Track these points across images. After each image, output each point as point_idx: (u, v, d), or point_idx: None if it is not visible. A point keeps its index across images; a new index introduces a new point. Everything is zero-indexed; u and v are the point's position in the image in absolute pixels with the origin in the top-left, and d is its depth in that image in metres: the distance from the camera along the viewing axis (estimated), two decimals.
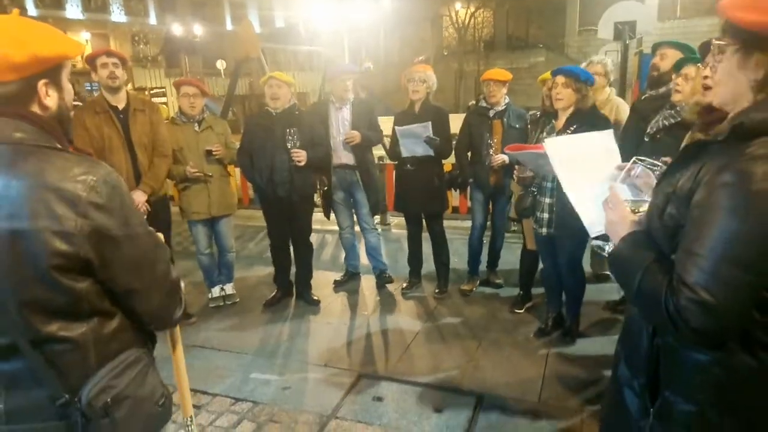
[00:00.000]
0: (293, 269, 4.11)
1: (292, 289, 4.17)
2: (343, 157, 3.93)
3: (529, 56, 27.48)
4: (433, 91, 3.83)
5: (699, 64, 2.61)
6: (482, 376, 2.97)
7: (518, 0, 28.60)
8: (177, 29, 24.02)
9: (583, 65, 3.79)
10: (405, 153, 3.75)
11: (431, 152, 3.67)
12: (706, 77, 1.97)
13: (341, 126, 3.87)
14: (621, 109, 3.66)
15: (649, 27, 14.02)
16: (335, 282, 4.40)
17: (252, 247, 5.69)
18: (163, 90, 15.22)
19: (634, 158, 1.33)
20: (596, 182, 1.41)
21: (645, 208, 1.20)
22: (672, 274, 1.00)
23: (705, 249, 0.95)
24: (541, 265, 3.53)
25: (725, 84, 1.09)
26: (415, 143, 3.67)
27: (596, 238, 1.39)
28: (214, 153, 3.65)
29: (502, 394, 2.78)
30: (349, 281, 4.41)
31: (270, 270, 4.28)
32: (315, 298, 4.06)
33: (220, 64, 21.07)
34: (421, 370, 3.07)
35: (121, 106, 3.26)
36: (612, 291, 3.96)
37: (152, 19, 28.18)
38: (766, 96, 1.00)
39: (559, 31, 29.06)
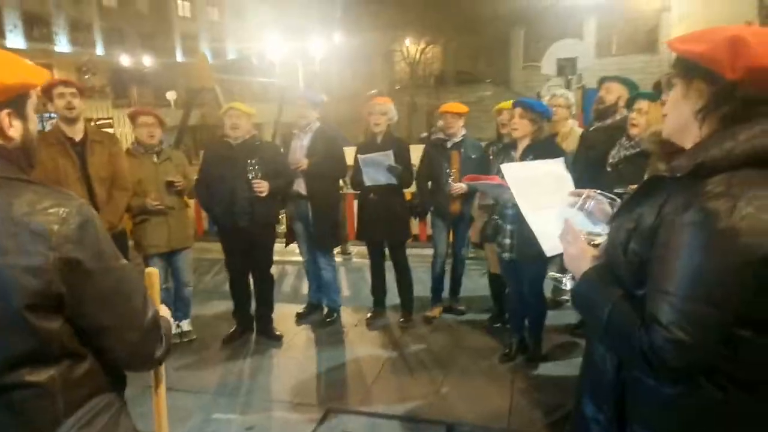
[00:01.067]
0: (253, 303, 4.00)
1: (252, 324, 4.04)
2: (298, 185, 3.89)
3: (477, 90, 28.57)
4: (393, 122, 3.91)
5: (649, 100, 2.83)
6: (450, 405, 2.96)
7: (466, 37, 29.87)
8: (125, 60, 23.53)
9: (546, 99, 4.00)
10: (368, 182, 3.78)
11: (394, 181, 3.72)
12: (665, 114, 2.13)
13: (298, 154, 3.86)
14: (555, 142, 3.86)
15: (588, 63, 14.97)
16: (297, 315, 4.31)
17: (208, 281, 5.51)
18: (110, 121, 14.80)
19: (588, 190, 1.36)
20: (551, 207, 1.47)
21: (602, 239, 1.21)
22: (642, 311, 1.01)
23: (675, 287, 0.96)
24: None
25: (672, 115, 1.15)
26: (378, 172, 3.71)
27: (554, 269, 1.41)
28: (176, 184, 3.56)
29: (471, 422, 2.78)
30: (311, 313, 4.33)
31: (228, 304, 4.15)
32: (277, 332, 3.95)
33: (171, 95, 20.73)
34: (390, 401, 3.02)
35: (77, 138, 3.14)
36: (570, 315, 4.07)
37: (99, 50, 27.55)
38: (712, 126, 1.05)
39: (505, 66, 30.51)
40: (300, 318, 4.27)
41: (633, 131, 2.90)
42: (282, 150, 4.01)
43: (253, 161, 3.52)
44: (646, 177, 2.52)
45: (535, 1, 25.45)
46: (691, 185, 0.99)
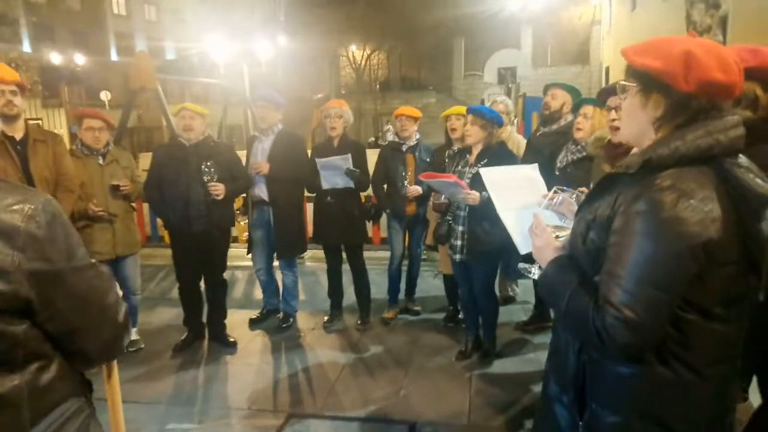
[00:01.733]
0: (205, 309, 3.88)
1: (204, 331, 3.92)
2: (259, 191, 3.83)
3: (421, 97, 29.12)
4: (349, 125, 3.93)
5: (594, 105, 2.98)
6: (412, 404, 3.00)
7: (410, 45, 30.36)
8: (56, 58, 22.13)
9: (487, 105, 4.15)
10: (325, 185, 3.77)
11: (351, 184, 3.73)
12: (614, 120, 2.27)
13: (260, 157, 3.79)
14: (521, 145, 4.03)
15: (526, 72, 15.62)
16: (251, 320, 4.22)
17: (153, 288, 5.28)
18: (39, 122, 13.90)
19: (555, 188, 1.47)
20: (525, 208, 1.57)
21: (567, 233, 1.31)
22: (597, 294, 1.10)
23: (626, 271, 1.05)
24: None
25: (628, 121, 1.24)
26: (336, 175, 3.71)
27: (523, 261, 1.50)
28: (122, 188, 3.40)
29: (433, 420, 2.83)
30: (267, 319, 4.25)
31: (176, 311, 4.01)
32: (231, 339, 3.85)
33: (105, 95, 19.71)
34: (351, 404, 3.02)
35: (18, 136, 2.94)
36: (519, 312, 4.24)
37: (26, 47, 25.76)
38: (666, 132, 1.14)
39: (447, 74, 31.28)
40: (254, 323, 4.19)
41: (578, 135, 3.05)
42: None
43: (209, 163, 3.42)
44: (591, 179, 2.70)
45: (475, 13, 26.26)
46: (641, 180, 1.09)
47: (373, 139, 23.69)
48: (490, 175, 1.93)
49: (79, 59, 23.03)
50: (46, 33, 26.72)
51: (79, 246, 1.04)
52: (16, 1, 25.25)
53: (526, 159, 3.66)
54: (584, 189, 2.51)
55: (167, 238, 4.74)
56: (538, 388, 3.11)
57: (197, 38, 25.61)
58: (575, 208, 1.36)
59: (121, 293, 1.21)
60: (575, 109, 3.16)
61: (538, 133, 3.75)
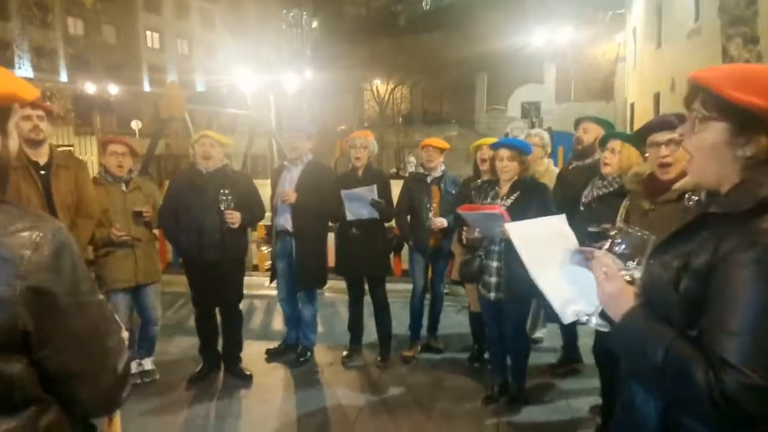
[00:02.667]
0: (221, 340, 3.78)
1: (219, 362, 3.81)
2: (284, 221, 3.77)
3: (443, 130, 29.30)
4: (374, 155, 3.88)
5: (623, 140, 2.86)
6: None
7: (432, 80, 30.86)
8: (90, 88, 23.03)
9: (522, 137, 4.06)
10: (350, 216, 3.68)
11: (376, 215, 3.65)
12: (665, 156, 2.16)
13: (287, 187, 3.74)
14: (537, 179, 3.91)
15: (550, 107, 15.60)
16: (268, 351, 4.09)
17: (172, 315, 5.22)
18: (71, 148, 14.36)
19: (620, 226, 1.30)
20: (557, 264, 1.42)
21: (636, 276, 1.15)
22: (703, 352, 0.96)
23: (744, 327, 0.92)
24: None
25: (705, 159, 1.09)
26: (361, 206, 3.64)
27: (589, 314, 1.31)
28: (144, 215, 3.38)
29: None
30: (285, 352, 4.11)
31: (192, 341, 3.91)
32: (247, 372, 3.72)
33: (135, 125, 20.32)
34: None
35: (42, 162, 2.94)
36: (548, 355, 4.02)
37: (62, 77, 26.93)
38: (758, 169, 1.02)
39: (470, 108, 31.55)
40: (271, 356, 4.05)
41: (605, 170, 2.90)
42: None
43: (226, 191, 3.39)
44: (621, 215, 2.54)
45: (499, 48, 26.60)
46: (748, 222, 0.97)
47: (394, 170, 23.81)
48: (516, 230, 1.74)
49: (113, 89, 23.91)
50: (82, 65, 27.98)
51: (86, 280, 0.97)
52: (56, 33, 26.55)
53: (558, 193, 3.53)
54: (608, 225, 2.39)
55: None
56: None
57: (227, 71, 26.45)
58: (625, 250, 1.19)
59: (126, 335, 1.13)
60: (602, 143, 3.04)
61: (570, 167, 3.63)
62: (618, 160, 2.81)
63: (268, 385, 3.64)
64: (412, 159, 26.16)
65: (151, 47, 33.63)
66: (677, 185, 2.06)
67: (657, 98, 21.28)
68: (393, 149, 29.52)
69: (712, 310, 0.97)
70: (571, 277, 1.37)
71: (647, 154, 2.54)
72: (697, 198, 1.39)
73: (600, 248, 1.23)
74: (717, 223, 1.02)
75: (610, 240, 1.22)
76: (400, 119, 31.84)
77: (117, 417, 1.24)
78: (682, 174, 2.09)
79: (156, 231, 3.82)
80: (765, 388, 0.88)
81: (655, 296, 1.09)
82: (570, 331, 3.79)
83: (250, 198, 3.62)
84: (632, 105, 26.18)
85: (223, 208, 3.38)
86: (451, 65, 28.40)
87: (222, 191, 3.37)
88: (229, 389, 3.57)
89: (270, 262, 4.11)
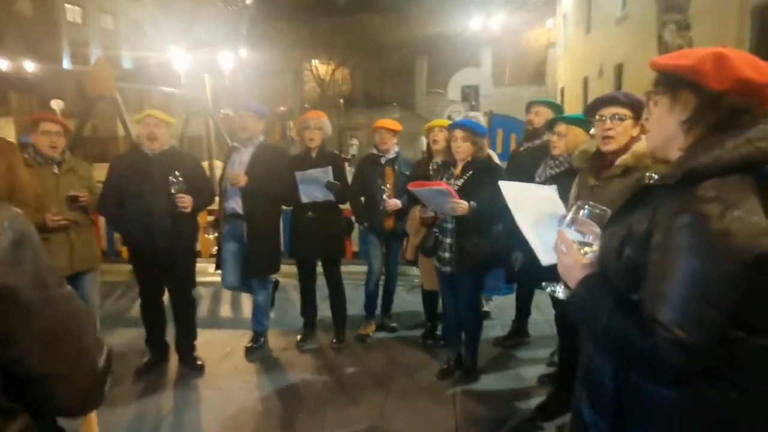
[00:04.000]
0: (169, 329, 3.63)
1: (167, 353, 3.68)
2: (234, 203, 3.62)
3: (385, 113, 29.25)
4: (328, 137, 3.81)
5: (567, 123, 2.97)
6: (395, 428, 2.86)
7: (374, 62, 30.70)
8: (3, 64, 21.05)
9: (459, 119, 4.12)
10: (305, 199, 3.62)
11: (332, 197, 3.61)
12: (608, 129, 2.26)
13: (236, 169, 3.59)
14: (493, 159, 4.02)
15: (488, 91, 16.01)
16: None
17: (110, 306, 4.94)
18: None
19: (578, 203, 1.39)
20: (545, 224, 1.55)
21: (593, 249, 1.24)
22: (640, 314, 1.03)
23: (672, 289, 0.99)
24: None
25: (657, 128, 1.19)
26: (316, 188, 3.58)
27: (548, 281, 1.40)
28: (80, 199, 3.15)
29: None
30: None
31: (136, 331, 3.75)
32: (199, 362, 3.61)
33: (56, 104, 18.81)
34: (332, 429, 2.86)
35: None
36: (497, 327, 4.19)
37: None
38: (697, 135, 1.10)
39: (410, 91, 31.72)
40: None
41: (554, 152, 3.04)
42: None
43: (177, 174, 3.23)
44: (573, 191, 2.68)
45: (438, 32, 26.82)
46: (681, 191, 1.03)
47: (336, 152, 23.61)
48: (508, 188, 1.88)
49: (30, 66, 21.97)
50: None
51: (50, 272, 0.89)
52: None
53: (510, 174, 3.63)
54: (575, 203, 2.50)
55: (125, 254, 4.45)
56: (524, 405, 3.05)
57: (156, 48, 24.98)
58: (594, 226, 1.28)
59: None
60: (549, 127, 3.16)
61: (521, 148, 3.75)
62: (565, 142, 2.93)
63: (222, 374, 3.55)
64: (355, 141, 26.02)
65: (72, 21, 31.13)
66: (619, 161, 2.18)
67: (586, 83, 22.31)
68: (335, 131, 29.22)
69: (648, 274, 1.04)
70: (551, 233, 1.45)
71: (593, 132, 2.67)
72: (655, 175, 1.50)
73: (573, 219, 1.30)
74: (657, 193, 1.09)
75: (573, 209, 1.30)
76: (342, 101, 31.46)
77: (93, 414, 1.17)
78: (624, 149, 2.21)
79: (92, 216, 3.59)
80: (691, 345, 0.96)
81: (606, 265, 1.17)
82: (523, 307, 3.96)
83: (198, 180, 3.46)
84: (562, 89, 27.30)
85: (173, 192, 3.22)
86: (391, 48, 28.34)
87: (173, 174, 3.22)
88: (181, 379, 3.45)
89: (217, 248, 3.95)
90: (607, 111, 2.24)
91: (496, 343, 3.91)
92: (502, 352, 3.79)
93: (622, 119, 2.21)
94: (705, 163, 1.03)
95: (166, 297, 3.60)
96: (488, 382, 3.35)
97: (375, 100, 33.77)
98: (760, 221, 0.97)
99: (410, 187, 3.02)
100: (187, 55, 15.74)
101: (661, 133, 1.17)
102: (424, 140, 4.65)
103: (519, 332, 3.96)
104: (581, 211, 1.26)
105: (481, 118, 4.16)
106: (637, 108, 2.20)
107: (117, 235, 5.50)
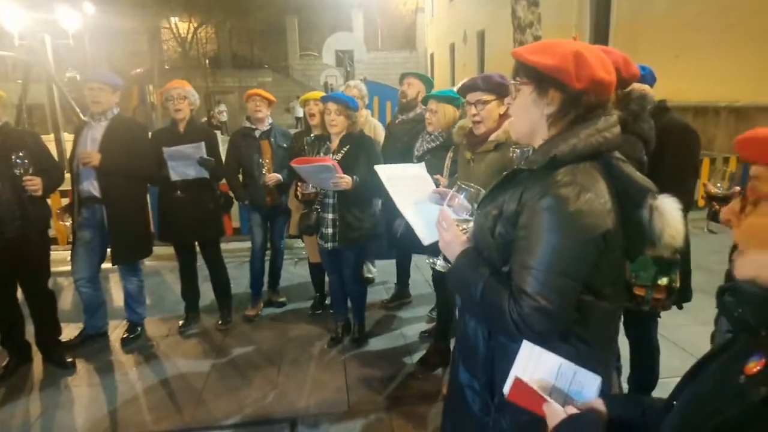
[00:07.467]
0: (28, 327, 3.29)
1: (30, 353, 3.33)
2: (89, 186, 3.28)
3: (256, 76, 28.01)
4: (195, 108, 3.59)
5: (437, 100, 3.12)
6: (290, 400, 2.93)
7: (240, 20, 28.86)
8: None
9: (341, 89, 4.12)
10: (174, 177, 3.39)
11: (205, 174, 3.43)
12: (475, 114, 2.41)
13: (88, 147, 3.24)
14: (377, 128, 4.12)
15: (362, 56, 16.05)
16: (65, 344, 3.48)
17: None
18: None
19: (457, 184, 1.51)
20: (422, 202, 1.68)
21: (469, 226, 1.37)
22: (510, 285, 1.17)
23: (537, 263, 1.12)
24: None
25: (521, 118, 1.30)
26: (187, 165, 3.37)
27: (428, 254, 1.55)
28: None
29: (314, 412, 2.81)
30: (85, 344, 3.57)
31: None
32: (68, 359, 3.32)
33: None
34: (224, 411, 2.83)
35: None
36: (381, 292, 4.40)
37: None
38: (559, 128, 1.24)
39: (282, 53, 30.59)
40: (68, 348, 3.46)
41: (429, 128, 3.18)
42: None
43: (21, 154, 2.86)
44: (447, 163, 2.89)
45: None
46: (544, 176, 1.18)
47: (205, 119, 22.09)
48: (384, 171, 1.99)
49: None
50: None
51: None
52: None
53: (387, 146, 3.75)
54: (438, 176, 2.68)
55: None
56: (410, 360, 3.29)
57: None
58: (467, 203, 1.40)
59: None
60: (424, 103, 3.29)
61: (396, 121, 3.86)
62: (437, 119, 3.08)
63: (96, 369, 3.31)
64: (223, 107, 24.53)
65: None
66: (492, 137, 2.37)
67: (452, 48, 23.36)
68: (202, 95, 27.29)
69: (516, 250, 1.19)
70: (428, 211, 1.61)
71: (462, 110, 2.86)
72: (519, 150, 1.68)
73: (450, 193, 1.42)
74: (525, 177, 1.23)
75: (450, 194, 1.42)
76: (207, 62, 29.31)
77: None
78: (497, 126, 2.40)
79: None
80: (553, 311, 1.13)
81: (480, 241, 1.30)
82: (404, 271, 4.20)
83: (42, 159, 3.11)
84: (432, 55, 28.30)
85: (18, 174, 2.87)
86: (258, 5, 26.82)
87: (15, 154, 2.86)
88: (50, 381, 3.15)
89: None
90: (471, 97, 2.39)
91: (381, 306, 4.12)
92: (387, 314, 4.01)
93: (485, 104, 2.36)
94: (564, 151, 1.17)
95: (20, 292, 3.23)
96: (376, 344, 3.54)
97: (244, 62, 32.04)
98: (606, 203, 1.15)
99: (293, 163, 2.99)
100: (21, 13, 13.47)
101: (527, 124, 1.29)
102: (299, 108, 4.58)
103: (401, 294, 4.21)
104: (461, 194, 1.38)
105: (363, 88, 4.17)
106: (498, 90, 2.35)
107: None
